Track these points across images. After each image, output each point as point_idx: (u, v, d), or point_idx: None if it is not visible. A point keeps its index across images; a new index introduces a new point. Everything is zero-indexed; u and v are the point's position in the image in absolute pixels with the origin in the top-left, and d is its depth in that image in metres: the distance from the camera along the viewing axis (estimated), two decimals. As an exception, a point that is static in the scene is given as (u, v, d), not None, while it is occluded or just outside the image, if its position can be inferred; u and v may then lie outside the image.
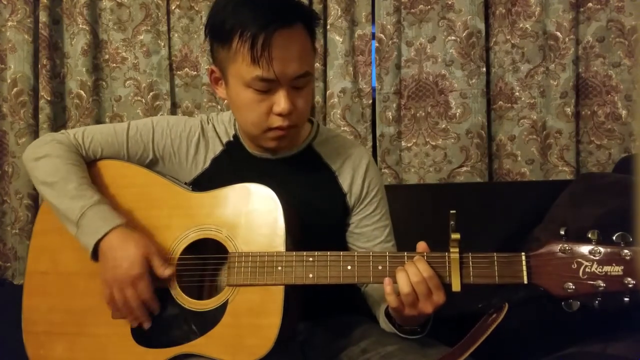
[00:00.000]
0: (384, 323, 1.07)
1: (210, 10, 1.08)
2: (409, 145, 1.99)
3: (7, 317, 1.18)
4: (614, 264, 0.84)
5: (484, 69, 1.92)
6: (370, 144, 2.01)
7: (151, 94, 2.05)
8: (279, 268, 0.97)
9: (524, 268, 0.88)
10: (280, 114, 1.01)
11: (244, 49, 0.96)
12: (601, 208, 1.34)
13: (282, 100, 1.00)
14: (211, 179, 1.12)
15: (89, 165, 1.13)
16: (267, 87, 0.99)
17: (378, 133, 2.00)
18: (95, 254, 1.01)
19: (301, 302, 1.01)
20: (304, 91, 1.04)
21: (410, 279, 0.90)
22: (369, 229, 1.16)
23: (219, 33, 1.02)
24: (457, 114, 1.95)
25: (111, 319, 1.04)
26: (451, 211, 0.89)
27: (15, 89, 2.01)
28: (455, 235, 0.90)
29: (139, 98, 2.06)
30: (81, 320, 1.06)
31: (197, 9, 2.05)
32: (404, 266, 0.92)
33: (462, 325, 0.95)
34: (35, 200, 2.02)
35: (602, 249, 0.85)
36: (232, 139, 1.16)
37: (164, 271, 0.99)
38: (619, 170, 1.71)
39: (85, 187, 1.05)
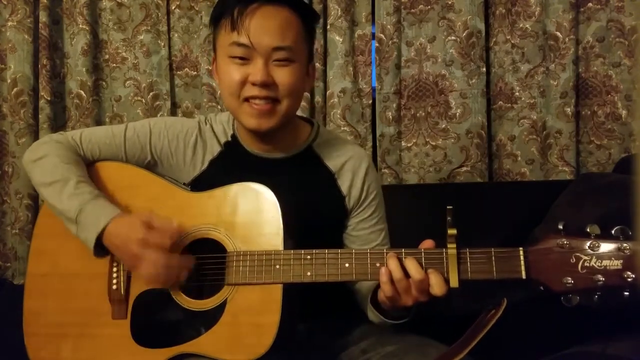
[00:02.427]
0: (371, 313, 1.08)
1: None
2: (409, 145, 1.98)
3: (7, 317, 1.18)
4: (613, 258, 0.83)
5: (484, 69, 1.92)
6: (370, 144, 2.01)
7: (151, 94, 2.05)
8: (277, 266, 0.97)
9: (522, 263, 0.88)
10: (254, 84, 1.02)
11: (227, 21, 1.03)
12: (601, 208, 1.34)
13: (257, 70, 1.01)
14: (209, 180, 1.12)
15: (88, 166, 1.13)
16: (243, 53, 1.02)
17: (378, 133, 2.00)
18: (97, 248, 1.00)
19: (300, 301, 1.01)
20: (287, 68, 1.04)
21: (392, 276, 0.92)
22: (365, 232, 1.17)
23: (214, 17, 1.08)
24: (457, 114, 1.95)
25: (111, 319, 1.05)
26: (448, 207, 0.89)
27: (15, 89, 2.01)
28: (452, 231, 0.90)
29: (139, 98, 2.06)
30: (82, 321, 1.06)
31: (197, 9, 2.05)
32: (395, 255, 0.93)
33: (462, 325, 0.95)
34: (35, 200, 2.02)
35: (601, 243, 0.84)
36: (230, 139, 1.16)
37: (169, 225, 0.98)
38: (619, 170, 1.71)
39: (83, 184, 1.05)
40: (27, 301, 1.11)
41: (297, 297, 1.00)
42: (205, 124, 1.18)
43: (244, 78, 1.03)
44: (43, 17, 1.99)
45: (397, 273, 0.91)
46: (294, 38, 1.04)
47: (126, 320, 1.04)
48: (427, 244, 0.94)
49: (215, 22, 1.08)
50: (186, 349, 0.99)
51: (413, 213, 1.68)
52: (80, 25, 2.02)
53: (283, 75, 1.03)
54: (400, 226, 1.25)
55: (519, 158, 1.94)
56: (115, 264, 1.06)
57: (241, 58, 1.03)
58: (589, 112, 1.90)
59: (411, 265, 0.91)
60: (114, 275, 1.05)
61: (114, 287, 1.05)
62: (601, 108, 1.88)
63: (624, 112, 1.86)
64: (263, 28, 1.01)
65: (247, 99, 1.04)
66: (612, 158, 1.87)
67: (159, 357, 1.00)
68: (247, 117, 1.06)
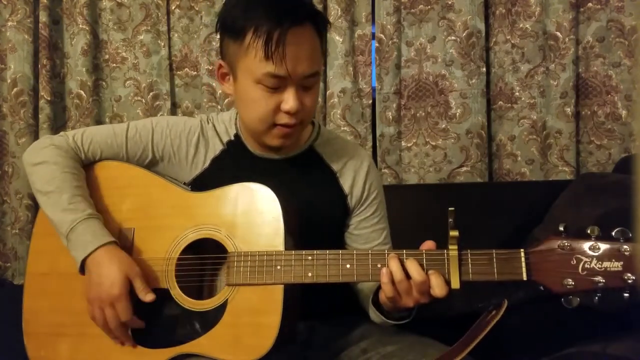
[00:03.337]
0: (373, 313, 1.08)
1: (223, 6, 1.09)
2: (409, 145, 1.99)
3: (7, 317, 1.18)
4: (613, 260, 0.83)
5: (484, 69, 1.92)
6: (370, 144, 2.01)
7: (151, 94, 2.05)
8: (278, 267, 0.97)
9: (523, 264, 0.88)
10: (288, 112, 1.01)
11: (258, 45, 0.97)
12: (601, 208, 1.34)
13: (291, 99, 1.00)
14: (211, 178, 1.12)
15: (88, 166, 1.13)
16: (277, 84, 1.00)
17: (378, 133, 2.00)
18: (82, 268, 1.01)
19: (301, 301, 1.01)
20: (311, 90, 1.04)
21: (393, 277, 0.92)
22: (367, 231, 1.17)
23: (231, 28, 1.02)
24: (457, 114, 1.95)
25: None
26: (450, 208, 0.89)
27: (15, 89, 2.01)
28: (454, 233, 0.90)
29: (139, 98, 2.06)
30: (81, 321, 1.06)
31: (197, 9, 2.05)
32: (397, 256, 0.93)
33: (462, 325, 0.95)
34: (35, 200, 2.01)
35: (601, 245, 0.84)
36: (233, 138, 1.16)
37: (145, 295, 1.00)
38: (619, 170, 1.71)
39: (78, 199, 1.05)
40: (27, 301, 1.11)
41: (298, 297, 1.00)
42: (208, 122, 1.18)
43: (275, 106, 1.02)
44: (43, 17, 1.99)
45: (399, 274, 0.91)
46: (319, 59, 1.04)
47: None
48: (428, 245, 0.94)
49: (231, 33, 1.02)
50: (187, 349, 0.99)
51: (413, 213, 1.68)
52: (80, 25, 2.02)
53: (309, 99, 1.04)
54: (400, 226, 1.25)
55: (519, 158, 1.94)
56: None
57: (273, 88, 1.01)
58: (589, 112, 1.90)
59: (412, 266, 0.91)
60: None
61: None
62: (601, 108, 1.88)
63: (624, 112, 1.86)
64: (297, 57, 0.98)
65: (276, 124, 1.04)
66: (612, 158, 1.87)
67: (160, 358, 1.00)
68: (273, 139, 1.07)
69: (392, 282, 0.92)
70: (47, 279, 1.10)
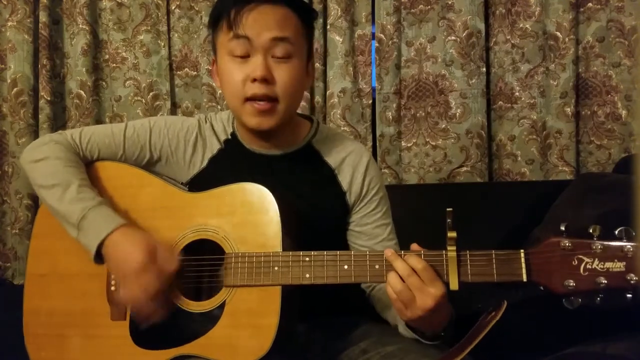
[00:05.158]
0: (404, 330, 1.04)
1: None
2: (409, 145, 1.98)
3: (7, 317, 1.18)
4: (615, 260, 0.81)
5: (484, 69, 1.92)
6: (370, 144, 2.01)
7: (151, 94, 2.06)
8: (276, 268, 0.96)
9: (523, 265, 0.87)
10: (255, 80, 1.02)
11: (224, 21, 1.03)
12: (601, 208, 1.33)
13: (258, 64, 1.02)
14: (209, 178, 1.12)
15: (86, 166, 1.12)
16: (243, 51, 1.02)
17: (378, 133, 2.00)
18: (97, 256, 1.00)
19: (300, 302, 1.01)
20: (286, 65, 1.04)
21: (400, 274, 0.90)
22: (369, 227, 1.16)
23: (213, 19, 1.08)
24: (457, 114, 1.94)
25: (110, 320, 1.04)
26: (447, 209, 0.88)
27: (15, 89, 2.01)
28: (452, 234, 0.89)
29: (139, 98, 2.06)
30: (81, 322, 1.06)
31: (197, 9, 2.06)
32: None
33: (462, 325, 0.95)
34: (35, 200, 2.02)
35: (603, 245, 0.82)
36: (230, 137, 1.16)
37: (171, 265, 0.98)
38: (619, 170, 1.71)
39: (85, 189, 1.04)
40: (27, 301, 1.11)
41: (296, 298, 1.00)
42: (205, 122, 1.18)
43: (245, 77, 1.03)
44: (43, 17, 1.99)
45: (406, 270, 0.89)
46: (293, 31, 1.05)
47: (125, 321, 1.04)
48: (414, 248, 0.93)
49: (214, 24, 1.08)
50: (185, 350, 0.99)
51: (413, 213, 1.67)
52: (80, 25, 2.02)
53: (282, 73, 1.03)
54: (400, 226, 1.25)
55: (519, 158, 1.94)
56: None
57: (242, 57, 1.03)
58: (589, 112, 1.90)
59: (411, 258, 0.90)
60: (113, 276, 1.05)
61: (113, 288, 1.05)
62: (601, 108, 1.88)
63: (624, 112, 1.86)
64: (261, 22, 1.01)
65: (248, 99, 1.04)
66: (612, 158, 1.87)
67: (158, 359, 1.00)
68: (248, 117, 1.06)
69: (402, 280, 0.90)
70: (46, 280, 1.10)
